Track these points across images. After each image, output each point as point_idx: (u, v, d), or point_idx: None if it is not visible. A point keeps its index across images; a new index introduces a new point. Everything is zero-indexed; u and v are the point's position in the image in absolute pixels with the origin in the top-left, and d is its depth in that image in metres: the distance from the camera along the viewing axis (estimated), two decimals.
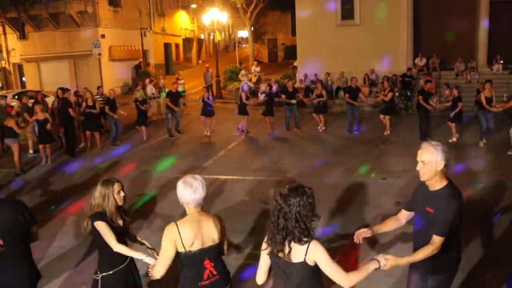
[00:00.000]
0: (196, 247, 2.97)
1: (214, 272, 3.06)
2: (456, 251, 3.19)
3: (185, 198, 2.97)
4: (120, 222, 3.61)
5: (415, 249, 3.17)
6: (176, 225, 2.96)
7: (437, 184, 3.10)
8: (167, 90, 17.86)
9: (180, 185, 2.98)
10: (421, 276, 3.21)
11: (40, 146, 11.05)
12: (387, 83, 13.95)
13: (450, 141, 11.33)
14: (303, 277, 2.69)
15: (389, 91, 13.17)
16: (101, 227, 3.43)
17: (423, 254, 2.99)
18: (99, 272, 3.53)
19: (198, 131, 13.99)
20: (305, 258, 2.63)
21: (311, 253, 2.62)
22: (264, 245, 2.81)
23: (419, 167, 3.09)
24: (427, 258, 3.03)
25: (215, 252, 3.08)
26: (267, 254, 2.79)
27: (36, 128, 11.29)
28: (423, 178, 3.12)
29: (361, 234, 3.27)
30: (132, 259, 3.65)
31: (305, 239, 2.61)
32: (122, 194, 3.54)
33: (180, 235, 2.93)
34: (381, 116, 13.18)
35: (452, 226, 2.99)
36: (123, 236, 3.62)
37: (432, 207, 3.07)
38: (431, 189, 3.14)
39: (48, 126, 10.80)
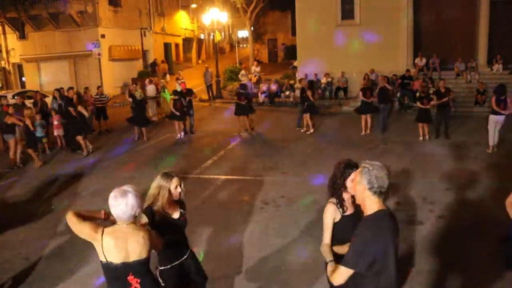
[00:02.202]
0: (117, 260, 2.82)
1: None
2: None
3: (115, 212, 2.85)
4: (176, 215, 3.61)
5: None
6: (103, 231, 2.84)
7: (365, 211, 2.63)
8: (166, 90, 17.87)
9: (111, 196, 2.84)
10: None
11: (29, 151, 10.74)
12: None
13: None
14: None
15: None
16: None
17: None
18: (158, 266, 3.62)
19: (198, 131, 14.09)
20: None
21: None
22: None
23: (349, 186, 3.00)
24: None
25: (141, 268, 2.91)
26: None
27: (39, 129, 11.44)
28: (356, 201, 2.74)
29: None
30: (190, 254, 3.71)
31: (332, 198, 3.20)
32: (179, 189, 3.55)
33: (102, 241, 2.81)
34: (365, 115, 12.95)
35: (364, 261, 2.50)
36: (180, 228, 3.64)
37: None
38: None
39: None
